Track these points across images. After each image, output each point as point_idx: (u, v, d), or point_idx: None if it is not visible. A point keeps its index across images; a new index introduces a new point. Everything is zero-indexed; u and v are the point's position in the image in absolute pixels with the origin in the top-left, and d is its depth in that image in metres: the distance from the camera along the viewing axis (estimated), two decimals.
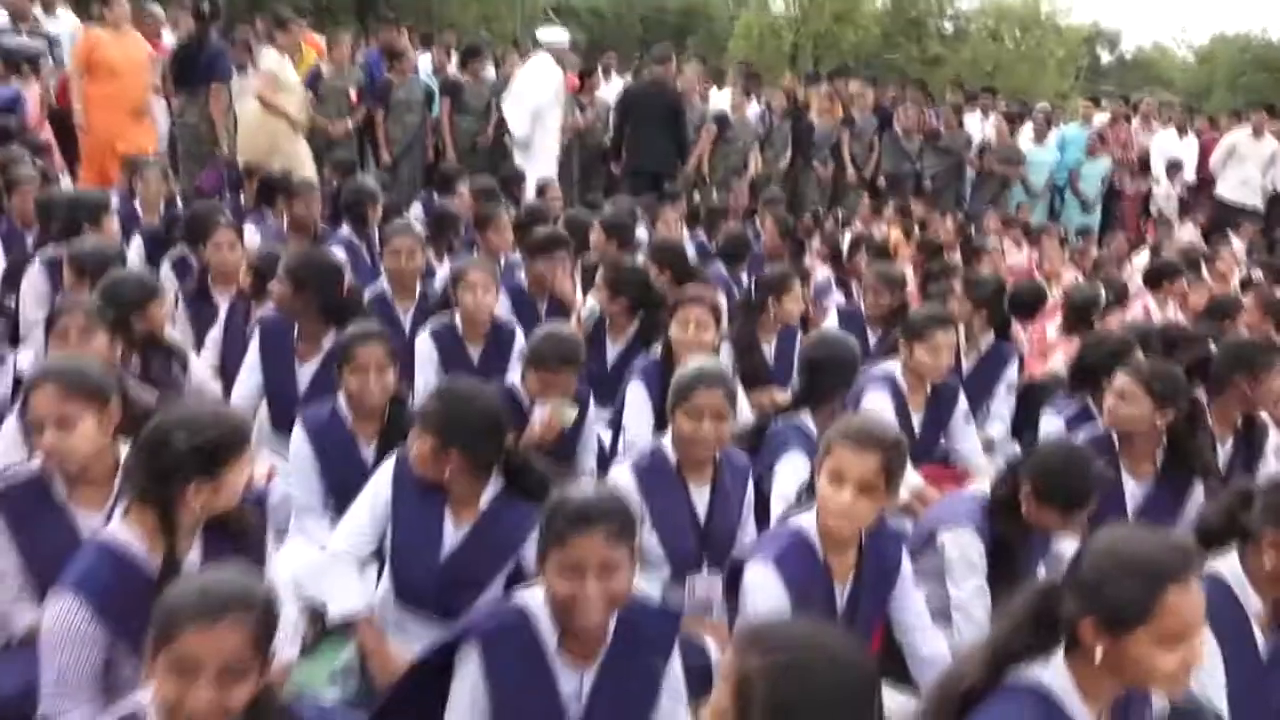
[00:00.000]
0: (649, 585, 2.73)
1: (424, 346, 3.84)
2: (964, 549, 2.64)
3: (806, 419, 3.25)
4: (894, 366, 3.77)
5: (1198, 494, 3.16)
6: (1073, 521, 2.51)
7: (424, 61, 9.46)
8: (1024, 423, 4.23)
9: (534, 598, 1.92)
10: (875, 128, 9.71)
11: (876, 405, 3.64)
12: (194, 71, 6.71)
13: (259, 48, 7.26)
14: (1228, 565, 2.24)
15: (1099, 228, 9.75)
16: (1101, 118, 10.59)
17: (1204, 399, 3.51)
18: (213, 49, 6.72)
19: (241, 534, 2.09)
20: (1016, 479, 2.58)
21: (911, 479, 3.51)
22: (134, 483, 1.99)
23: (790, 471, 3.09)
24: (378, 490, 2.47)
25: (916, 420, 3.77)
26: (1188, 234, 9.39)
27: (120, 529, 1.98)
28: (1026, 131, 10.28)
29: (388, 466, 2.50)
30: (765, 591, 2.26)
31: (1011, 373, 4.37)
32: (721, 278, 5.44)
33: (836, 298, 5.80)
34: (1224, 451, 3.46)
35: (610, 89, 9.85)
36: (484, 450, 2.38)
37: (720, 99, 9.41)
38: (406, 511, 2.44)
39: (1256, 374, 3.39)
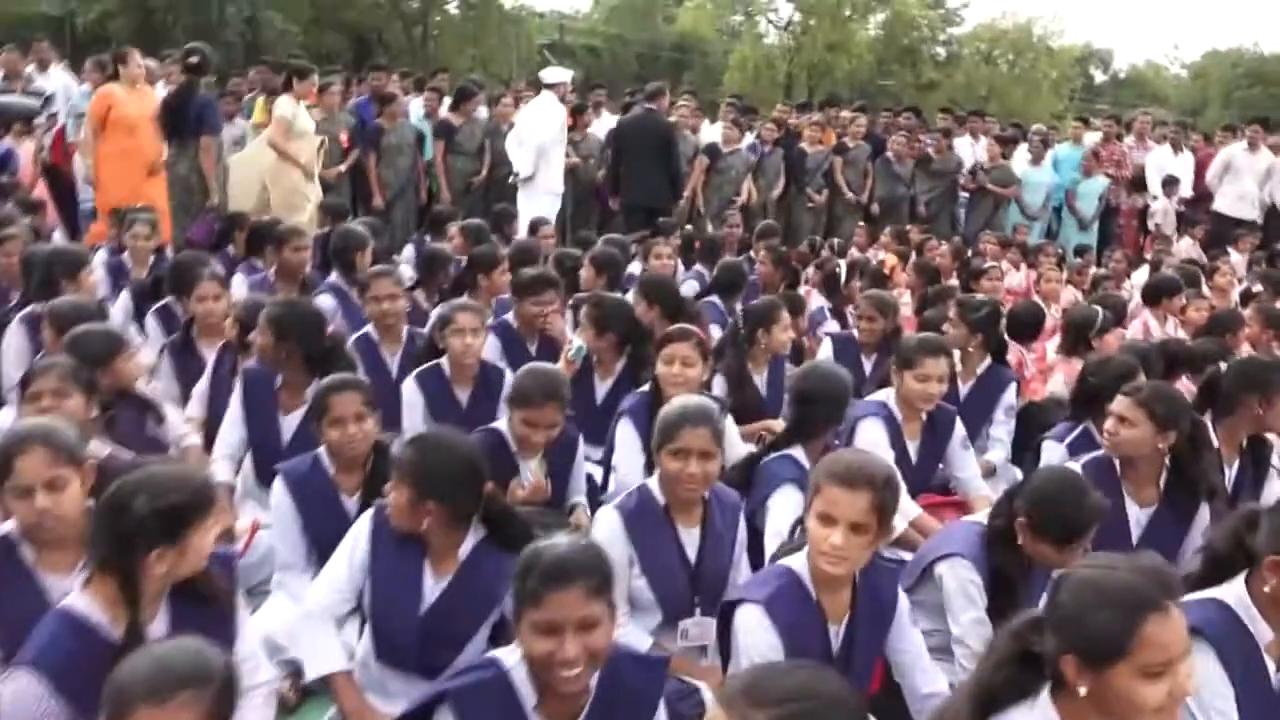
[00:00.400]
0: (640, 629, 2.67)
1: (411, 393, 3.78)
2: (961, 581, 2.57)
3: (798, 453, 3.18)
4: (888, 395, 3.71)
5: (1203, 517, 3.07)
6: (1071, 553, 2.43)
7: (415, 106, 9.51)
8: (1024, 446, 4.16)
9: (512, 655, 1.84)
10: (869, 154, 9.71)
11: (871, 436, 3.58)
12: (184, 123, 6.72)
13: (247, 98, 7.29)
14: (1234, 593, 2.15)
15: (1097, 246, 9.73)
16: (1092, 137, 10.59)
17: (1209, 419, 3.45)
18: (201, 101, 6.74)
19: (210, 598, 2.02)
20: (1013, 509, 2.51)
21: (908, 508, 3.44)
22: (94, 550, 1.92)
23: (783, 507, 3.02)
24: (355, 544, 2.40)
25: (913, 449, 3.69)
26: (1186, 249, 9.34)
27: (81, 598, 1.91)
28: (1021, 153, 10.28)
29: (365, 519, 2.43)
30: (757, 635, 2.19)
31: (1010, 396, 4.29)
32: (717, 310, 5.41)
33: (831, 326, 5.74)
34: (1230, 473, 3.38)
35: (602, 125, 9.88)
36: (462, 501, 2.32)
37: (712, 132, 9.44)
38: (384, 565, 2.37)
39: (1268, 394, 3.31)
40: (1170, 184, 10.02)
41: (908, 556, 3.07)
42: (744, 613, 2.23)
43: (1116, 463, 3.09)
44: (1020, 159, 10.11)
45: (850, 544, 2.15)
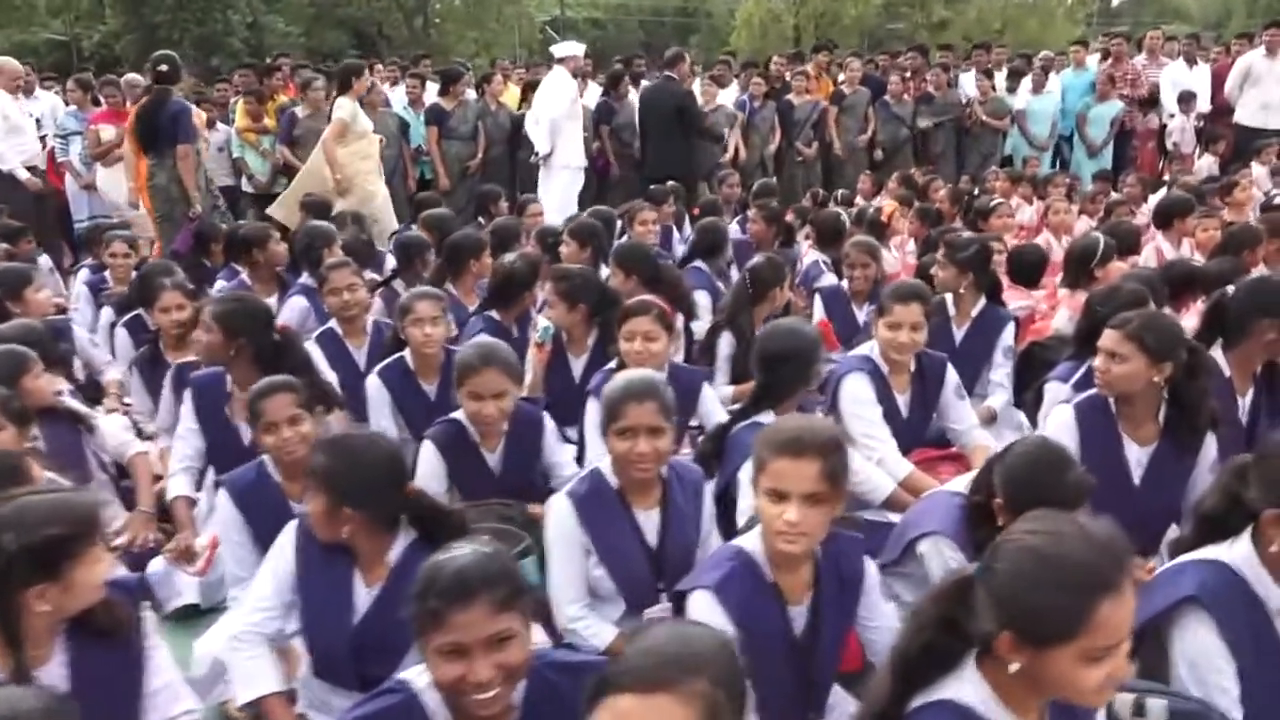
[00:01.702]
0: (604, 621, 2.51)
1: (374, 389, 3.65)
2: (944, 560, 2.39)
3: (768, 418, 2.98)
4: (871, 348, 3.51)
5: (1209, 451, 2.84)
6: None
7: (398, 94, 9.35)
8: (1029, 388, 3.94)
9: (422, 676, 1.69)
10: (868, 99, 9.39)
11: (855, 392, 3.39)
12: (159, 134, 6.62)
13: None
14: (1240, 553, 1.93)
15: (1116, 170, 9.34)
16: (1093, 59, 10.16)
17: (1219, 345, 3.20)
18: (174, 109, 6.62)
19: (111, 631, 1.89)
20: (990, 486, 2.31)
21: (897, 468, 3.25)
22: None
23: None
24: (280, 557, 2.27)
25: (902, 402, 3.49)
26: (1206, 167, 8.94)
27: None
28: (1027, 83, 9.89)
29: (289, 530, 2.30)
30: (707, 622, 2.03)
31: (1007, 337, 4.06)
32: (702, 275, 5.22)
33: (829, 279, 5.52)
34: (1244, 403, 3.13)
35: (591, 96, 9.65)
36: (381, 505, 2.17)
37: (726, 95, 9.17)
38: (313, 578, 2.24)
39: None
40: (1186, 100, 9.57)
41: (896, 519, 2.89)
42: (694, 600, 2.07)
43: (1111, 401, 2.87)
44: (1024, 89, 9.72)
45: (806, 518, 1.97)
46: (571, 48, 8.37)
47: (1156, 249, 5.36)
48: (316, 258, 4.63)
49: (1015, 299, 4.77)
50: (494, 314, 4.26)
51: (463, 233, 4.99)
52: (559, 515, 2.50)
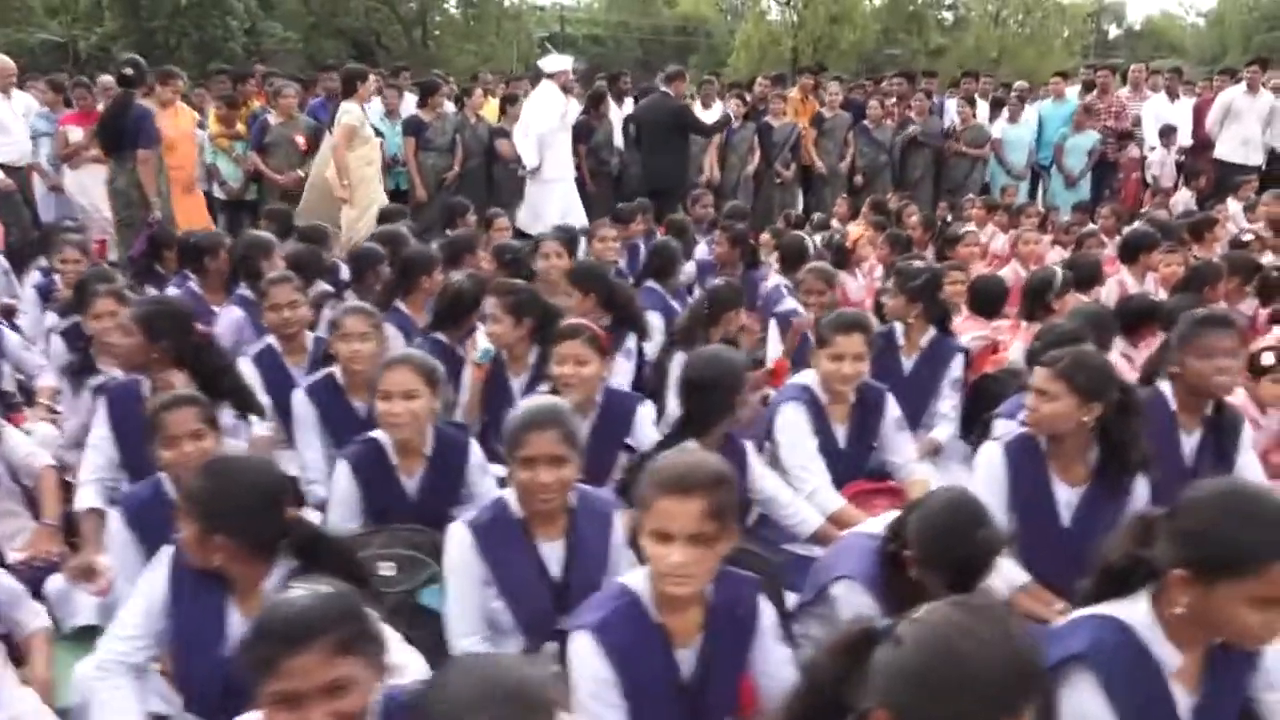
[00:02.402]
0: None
1: (300, 406, 3.55)
2: (855, 607, 2.30)
3: (694, 448, 2.91)
4: (810, 377, 3.43)
5: (1141, 493, 2.76)
6: (970, 590, 2.15)
7: (375, 105, 9.28)
8: (977, 422, 3.86)
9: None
10: (848, 123, 9.36)
11: (791, 422, 3.31)
12: (121, 137, 6.55)
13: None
14: (1138, 611, 1.83)
15: (1096, 202, 9.31)
16: (1073, 90, 10.16)
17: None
18: (137, 114, 6.55)
19: None
20: (903, 537, 2.22)
21: (826, 502, 3.16)
22: None
23: None
24: (152, 583, 2.17)
25: (840, 433, 3.41)
26: (1183, 201, 8.91)
27: None
28: (1005, 113, 9.88)
29: (163, 555, 2.20)
30: (586, 665, 1.94)
31: (956, 369, 3.99)
32: (655, 295, 5.14)
33: (790, 304, 5.44)
34: (1189, 443, 3.05)
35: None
36: (254, 532, 2.08)
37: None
38: (184, 606, 2.14)
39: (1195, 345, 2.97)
40: (1167, 133, 9.56)
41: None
42: (573, 641, 1.97)
43: (1042, 440, 2.78)
44: (1001, 118, 9.70)
45: (693, 558, 1.88)
46: (560, 62, 8.39)
47: (1119, 282, 5.30)
48: (253, 268, 4.53)
49: (974, 329, 4.70)
50: (440, 335, 4.17)
51: (415, 248, 4.90)
52: (457, 545, 2.41)
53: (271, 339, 4.05)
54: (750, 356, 4.51)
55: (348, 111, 7.05)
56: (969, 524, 2.12)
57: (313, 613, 1.52)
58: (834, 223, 8.08)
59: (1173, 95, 10.04)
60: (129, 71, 6.65)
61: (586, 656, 1.93)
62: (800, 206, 9.43)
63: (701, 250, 6.68)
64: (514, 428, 2.37)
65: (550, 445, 2.33)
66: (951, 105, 9.84)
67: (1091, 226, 7.27)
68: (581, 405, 3.28)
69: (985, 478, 2.81)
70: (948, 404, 3.96)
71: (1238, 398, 3.79)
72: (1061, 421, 2.69)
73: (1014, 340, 4.49)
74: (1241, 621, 1.69)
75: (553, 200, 7.97)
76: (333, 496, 2.97)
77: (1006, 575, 2.72)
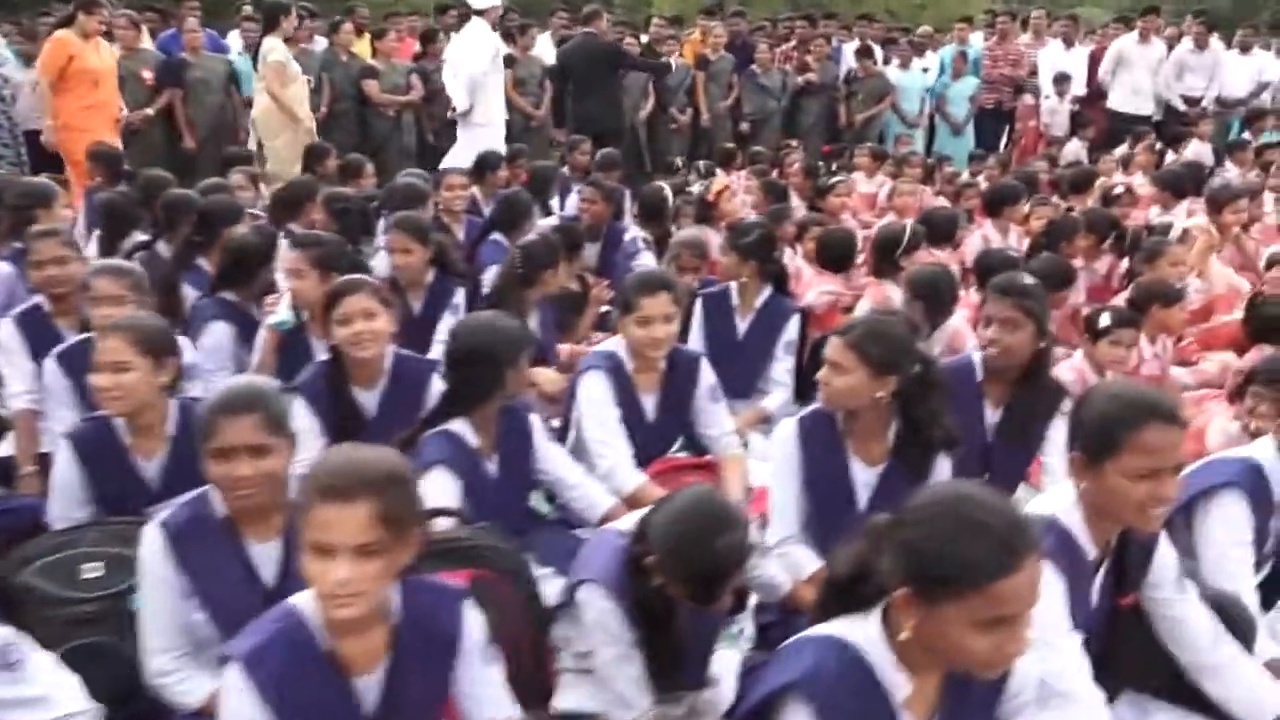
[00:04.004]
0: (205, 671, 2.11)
1: (51, 377, 3.13)
2: (600, 613, 2.04)
3: (460, 426, 2.61)
4: (617, 342, 3.14)
5: (943, 474, 2.54)
6: (716, 601, 1.91)
7: (233, 38, 8.66)
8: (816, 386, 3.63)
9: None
10: (733, 66, 9.01)
11: (592, 393, 3.03)
12: None
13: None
14: (865, 633, 1.59)
15: (991, 151, 9.16)
16: (977, 36, 9.97)
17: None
18: None
19: None
20: (647, 535, 1.96)
21: (624, 481, 2.90)
22: None
23: (435, 495, 2.46)
24: None
25: (649, 404, 3.14)
26: (1074, 151, 8.81)
27: None
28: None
29: None
30: (234, 703, 1.64)
31: (791, 331, 3.73)
32: (500, 250, 4.78)
33: (646, 259, 5.15)
34: (991, 418, 2.84)
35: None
36: None
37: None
38: None
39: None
40: (1060, 81, 9.42)
41: None
42: (225, 674, 1.67)
43: (839, 416, 2.55)
44: (896, 65, 9.47)
45: (360, 574, 1.59)
46: None
47: (983, 236, 5.11)
48: (27, 219, 4.06)
49: (824, 284, 4.47)
50: (229, 295, 3.77)
51: (215, 198, 4.46)
52: (148, 550, 2.08)
53: (40, 298, 3.62)
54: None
55: (273, 49, 6.69)
56: (709, 531, 1.87)
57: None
58: (718, 171, 7.77)
59: (1068, 43, 9.90)
60: None
61: (235, 694, 1.63)
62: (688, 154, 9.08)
63: (571, 203, 6.32)
64: (205, 415, 2.04)
65: (248, 433, 2.00)
66: (848, 49, 9.54)
67: (968, 178, 7.08)
68: (372, 368, 2.96)
69: (779, 456, 2.58)
70: (781, 368, 3.71)
71: (1075, 361, 3.64)
72: (854, 396, 2.45)
73: (863, 297, 4.27)
74: (968, 646, 1.46)
75: (481, 146, 7.25)
76: (53, 484, 2.60)
77: (796, 563, 2.51)
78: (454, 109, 7.57)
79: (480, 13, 7.55)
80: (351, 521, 1.58)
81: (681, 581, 1.89)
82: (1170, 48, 9.47)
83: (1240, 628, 2.12)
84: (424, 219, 4.33)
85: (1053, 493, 2.03)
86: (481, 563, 2.20)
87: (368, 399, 3.01)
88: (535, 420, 2.81)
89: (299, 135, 7.02)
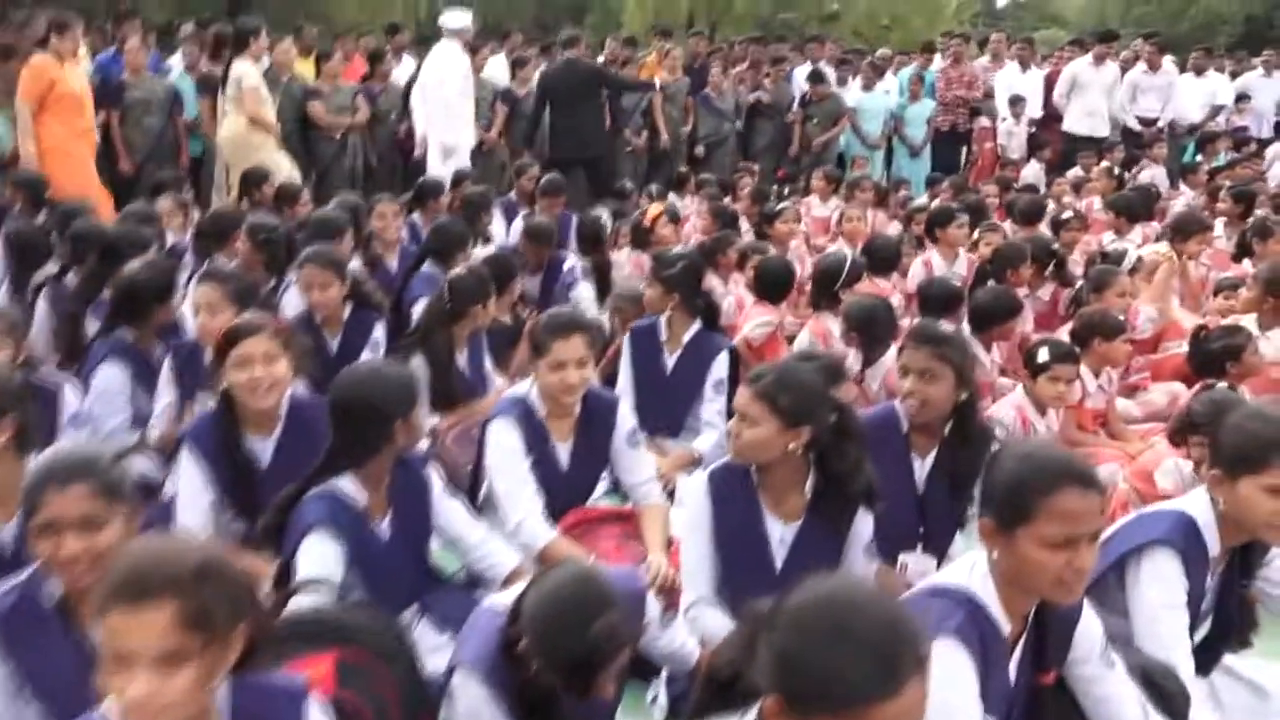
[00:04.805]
0: None
1: None
2: (474, 700, 1.85)
3: (347, 483, 2.41)
4: (528, 387, 2.96)
5: (864, 530, 2.39)
6: (593, 692, 1.73)
7: (176, 59, 8.44)
8: None
9: None
10: (688, 89, 8.90)
11: (501, 441, 2.84)
12: None
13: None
14: None
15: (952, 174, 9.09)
16: (937, 60, 9.94)
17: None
18: None
19: None
20: (520, 619, 1.78)
21: (535, 534, 2.71)
22: None
23: (312, 563, 2.27)
24: None
25: (563, 452, 2.96)
26: (1032, 173, 8.77)
27: None
28: (858, 81, 9.58)
29: None
30: None
31: (719, 369, 3.56)
32: (431, 282, 4.59)
33: (583, 290, 4.99)
34: (922, 467, 2.68)
35: (403, 71, 8.89)
36: None
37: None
38: None
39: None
40: (1016, 103, 9.40)
41: None
42: None
43: (752, 469, 2.38)
44: (855, 86, 9.39)
45: (166, 687, 1.38)
46: (462, 18, 7.73)
47: (925, 262, 4.98)
48: None
49: (762, 315, 4.31)
50: (126, 334, 3.54)
51: (124, 228, 4.25)
52: None
53: None
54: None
55: (247, 74, 6.52)
56: (582, 615, 1.69)
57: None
58: (670, 195, 7.63)
59: (1024, 65, 9.88)
60: None
61: None
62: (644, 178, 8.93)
63: (517, 229, 6.14)
64: (29, 484, 1.83)
65: (76, 505, 1.80)
66: (800, 72, 9.46)
67: (920, 202, 6.98)
68: (268, 413, 2.76)
69: (689, 513, 2.41)
70: (711, 409, 3.54)
71: (1015, 397, 3.50)
72: (765, 449, 2.29)
73: (803, 329, 4.12)
74: None
75: (440, 171, 7.27)
76: None
77: (708, 628, 2.33)
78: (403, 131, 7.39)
79: (454, 33, 7.48)
80: (150, 627, 1.38)
81: (553, 670, 1.71)
82: (1125, 70, 9.48)
83: (1172, 702, 1.96)
84: (338, 252, 4.13)
85: (963, 562, 1.86)
86: (351, 642, 2.00)
87: (262, 447, 2.81)
88: (434, 474, 2.62)
89: (276, 156, 6.86)
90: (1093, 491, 1.71)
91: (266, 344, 2.71)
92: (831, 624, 1.28)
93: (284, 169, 6.72)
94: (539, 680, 1.77)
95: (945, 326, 2.67)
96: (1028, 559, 1.71)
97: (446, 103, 7.31)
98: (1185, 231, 5.13)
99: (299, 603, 2.18)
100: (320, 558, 2.27)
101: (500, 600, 1.98)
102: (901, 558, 2.58)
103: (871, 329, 3.63)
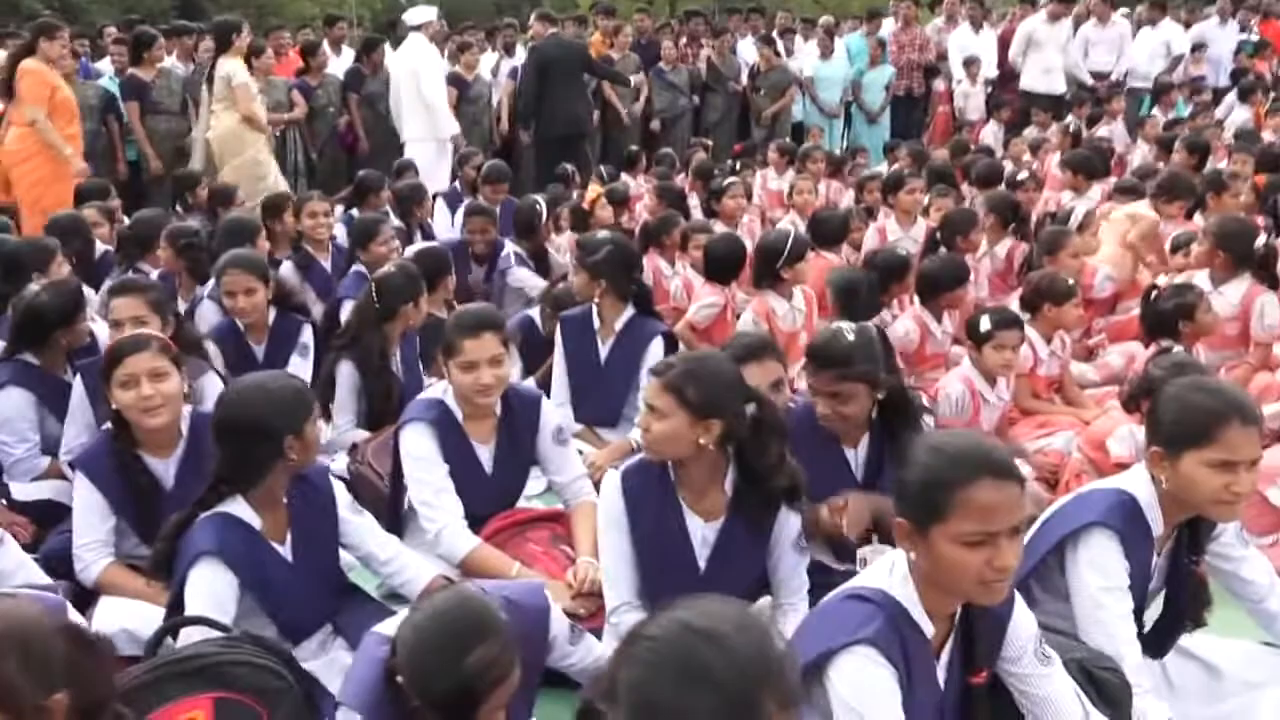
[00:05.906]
0: None
1: None
2: None
3: (238, 507, 2.24)
4: (443, 389, 2.80)
5: (789, 528, 2.24)
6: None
7: (105, 63, 8.17)
8: None
9: None
10: (637, 65, 8.70)
11: (413, 447, 2.69)
12: None
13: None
14: None
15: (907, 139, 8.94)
16: (888, 23, 9.76)
17: None
18: None
19: None
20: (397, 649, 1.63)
21: (456, 544, 2.57)
22: None
23: (199, 595, 2.11)
24: None
25: (485, 455, 2.80)
26: (990, 134, 8.64)
27: None
28: (812, 48, 9.41)
29: None
30: None
31: (653, 355, 3.40)
32: (358, 283, 4.41)
33: (520, 275, 4.83)
34: (856, 457, 2.54)
35: (340, 63, 8.65)
36: None
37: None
38: None
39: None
40: (970, 64, 9.26)
41: None
42: None
43: (670, 466, 2.23)
44: (810, 54, 9.23)
45: None
46: (425, 12, 7.63)
47: (880, 229, 4.84)
48: None
49: (711, 296, 4.16)
50: (29, 357, 3.34)
51: (26, 240, 4.05)
52: None
53: None
54: None
55: (235, 71, 6.35)
56: (456, 646, 1.53)
57: None
58: (623, 175, 7.46)
59: (976, 26, 9.73)
60: None
61: None
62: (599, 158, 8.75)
63: (456, 223, 5.96)
64: None
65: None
66: (745, 45, 9.28)
67: (872, 170, 6.84)
68: (166, 433, 2.60)
69: (604, 514, 2.27)
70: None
71: (963, 369, 3.38)
72: (675, 444, 2.14)
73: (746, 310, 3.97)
74: None
75: (424, 165, 7.15)
76: None
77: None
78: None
79: (418, 28, 7.41)
80: None
81: (429, 705, 1.56)
82: (1077, 25, 9.34)
83: (1113, 694, 1.84)
84: (259, 255, 3.95)
85: (882, 562, 1.73)
86: (232, 683, 1.85)
87: (163, 468, 2.64)
88: (339, 490, 2.46)
89: (264, 151, 6.72)
90: (1010, 482, 1.58)
91: (152, 360, 2.55)
92: (683, 657, 1.13)
93: (273, 171, 6.66)
94: (420, 717, 1.62)
95: (844, 335, 2.44)
96: (945, 559, 1.58)
97: (426, 100, 7.25)
98: (1173, 193, 4.96)
99: (189, 636, 2.06)
100: (208, 589, 2.12)
101: (387, 627, 1.83)
102: (860, 551, 2.44)
103: (852, 301, 3.50)
